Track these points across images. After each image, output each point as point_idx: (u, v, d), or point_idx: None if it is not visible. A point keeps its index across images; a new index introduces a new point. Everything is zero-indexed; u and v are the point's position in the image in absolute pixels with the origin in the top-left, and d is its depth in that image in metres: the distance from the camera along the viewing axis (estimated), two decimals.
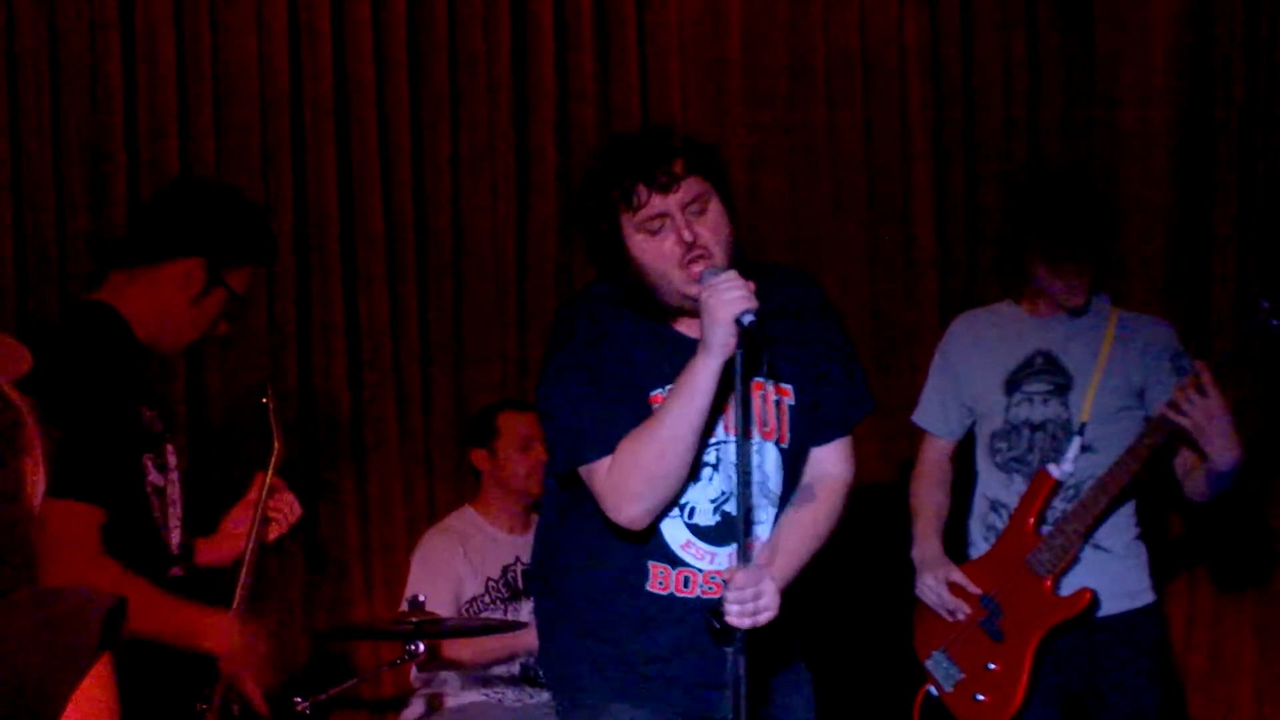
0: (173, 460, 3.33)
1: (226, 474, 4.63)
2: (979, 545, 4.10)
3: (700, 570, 3.05)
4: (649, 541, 3.06)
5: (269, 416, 3.59)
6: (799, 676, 3.22)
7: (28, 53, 4.96)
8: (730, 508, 3.03)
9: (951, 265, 5.48)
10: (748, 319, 2.87)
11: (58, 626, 1.80)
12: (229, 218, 3.35)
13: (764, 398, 3.10)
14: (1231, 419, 3.81)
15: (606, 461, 3.00)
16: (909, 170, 5.45)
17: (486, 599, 4.78)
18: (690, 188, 3.01)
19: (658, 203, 2.99)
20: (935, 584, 4.02)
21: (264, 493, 3.48)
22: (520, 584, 4.80)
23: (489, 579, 4.80)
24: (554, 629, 3.21)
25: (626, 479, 2.97)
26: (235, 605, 3.38)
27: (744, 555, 2.92)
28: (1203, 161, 5.31)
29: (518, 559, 4.79)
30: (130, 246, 3.38)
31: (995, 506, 4.05)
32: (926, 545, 4.08)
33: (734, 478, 2.99)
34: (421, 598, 4.33)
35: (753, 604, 2.89)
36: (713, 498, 3.07)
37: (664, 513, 3.04)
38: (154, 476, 3.25)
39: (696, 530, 3.06)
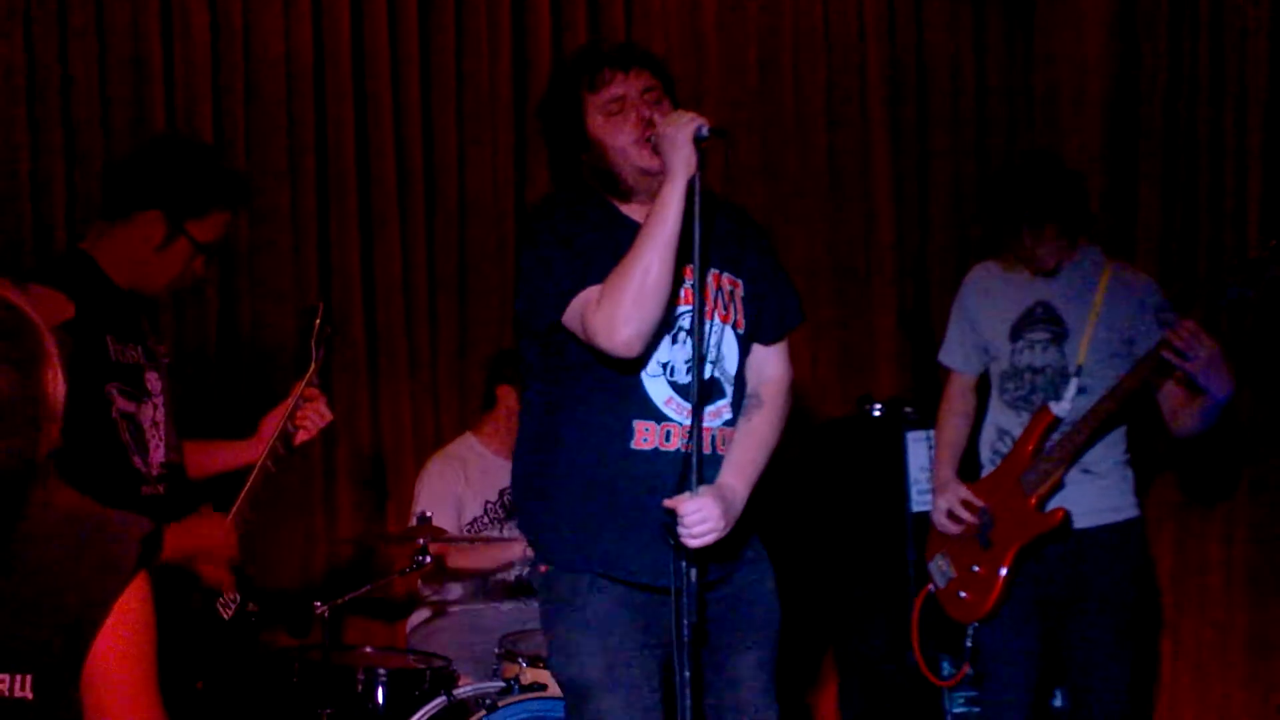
0: (156, 385, 3.43)
1: (267, 385, 4.83)
2: (987, 466, 4.35)
3: (681, 424, 3.19)
4: (635, 401, 3.19)
5: (313, 333, 3.75)
6: (763, 575, 3.38)
7: (76, 32, 5.19)
8: (705, 371, 3.18)
9: (905, 216, 5.90)
10: (704, 131, 3.05)
11: (99, 547, 1.91)
12: (184, 171, 3.42)
13: (719, 287, 3.29)
14: (1223, 355, 3.98)
15: (594, 294, 3.11)
16: (868, 137, 5.85)
17: (485, 519, 5.01)
18: (647, 78, 3.23)
19: (619, 83, 3.21)
20: (946, 505, 4.31)
21: (296, 399, 3.68)
22: (513, 505, 4.93)
23: (486, 501, 5.03)
24: (544, 512, 3.30)
25: (617, 303, 3.07)
26: (236, 505, 3.52)
27: (693, 484, 3.08)
28: (1130, 127, 5.61)
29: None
30: (105, 201, 3.49)
31: (1002, 435, 4.31)
32: (942, 470, 4.39)
33: (709, 345, 3.20)
34: (428, 514, 4.59)
35: (700, 527, 3.06)
36: (688, 359, 3.19)
37: (646, 369, 3.18)
38: (122, 404, 3.32)
39: (677, 388, 3.20)
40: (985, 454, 4.38)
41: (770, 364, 3.40)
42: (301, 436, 3.72)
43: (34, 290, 2.94)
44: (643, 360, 3.19)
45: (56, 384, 1.81)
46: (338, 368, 5.38)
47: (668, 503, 3.12)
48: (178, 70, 5.33)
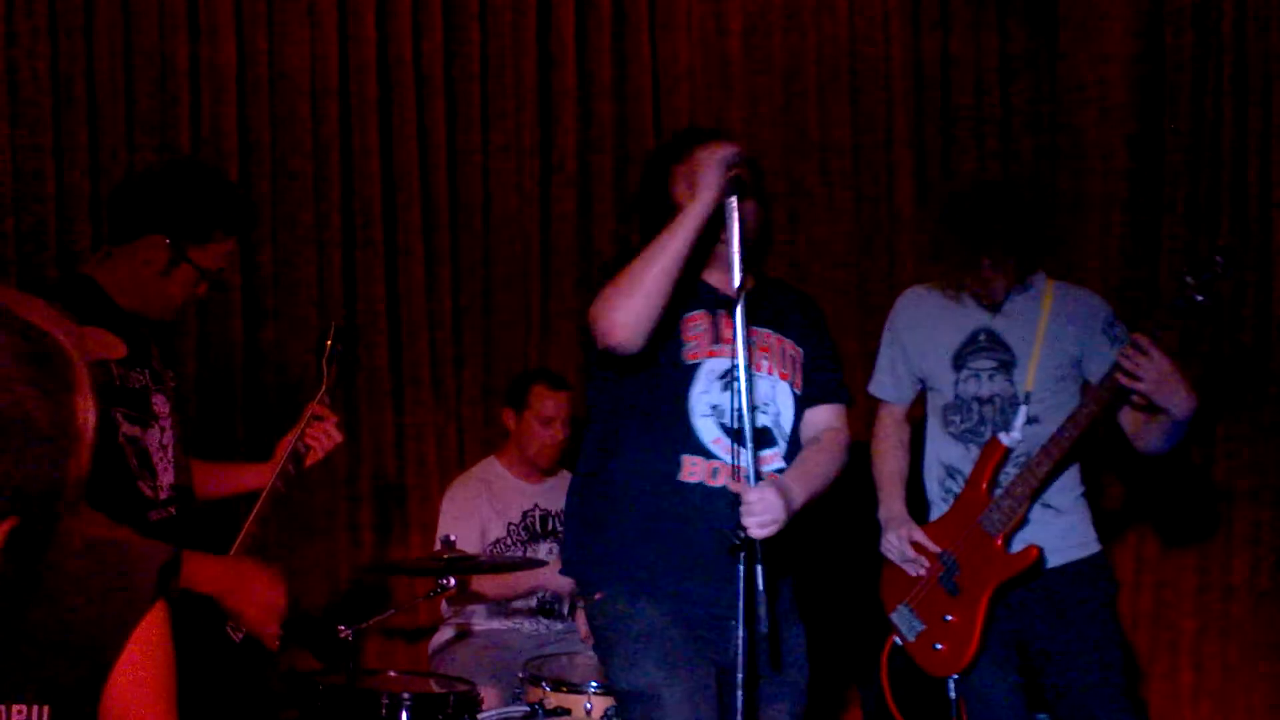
0: (163, 409, 3.41)
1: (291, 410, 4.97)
2: (938, 506, 4.15)
3: (729, 463, 3.31)
4: (683, 437, 3.34)
5: (325, 352, 3.77)
6: (798, 634, 3.50)
7: (103, 45, 5.27)
8: (755, 419, 3.27)
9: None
10: (734, 157, 3.21)
11: (119, 575, 1.89)
12: (189, 198, 3.39)
13: (782, 349, 3.47)
14: (1181, 372, 3.83)
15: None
16: (890, 156, 5.82)
17: (508, 540, 5.03)
18: (731, 152, 3.28)
19: (704, 154, 3.29)
20: (899, 542, 4.10)
21: (306, 419, 3.68)
22: (538, 527, 5.06)
23: (510, 523, 5.05)
24: (586, 533, 3.44)
25: (613, 294, 3.22)
26: (242, 534, 3.48)
27: (755, 474, 3.18)
28: (1154, 154, 5.59)
29: (536, 505, 5.07)
30: (110, 225, 3.46)
31: (951, 472, 4.12)
32: (891, 505, 4.16)
33: (761, 397, 3.36)
34: (453, 537, 4.53)
35: (763, 515, 3.14)
36: (737, 407, 3.23)
37: (698, 409, 3.33)
38: (127, 428, 3.29)
39: (725, 430, 3.34)
40: (934, 491, 4.20)
41: (825, 419, 3.54)
42: (312, 457, 3.73)
43: (89, 332, 3.00)
44: (699, 385, 3.34)
45: (88, 412, 1.78)
46: (364, 394, 5.44)
47: (732, 486, 3.22)
48: (204, 95, 5.40)
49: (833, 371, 3.58)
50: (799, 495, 3.31)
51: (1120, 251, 5.56)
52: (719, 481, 3.31)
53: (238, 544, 3.49)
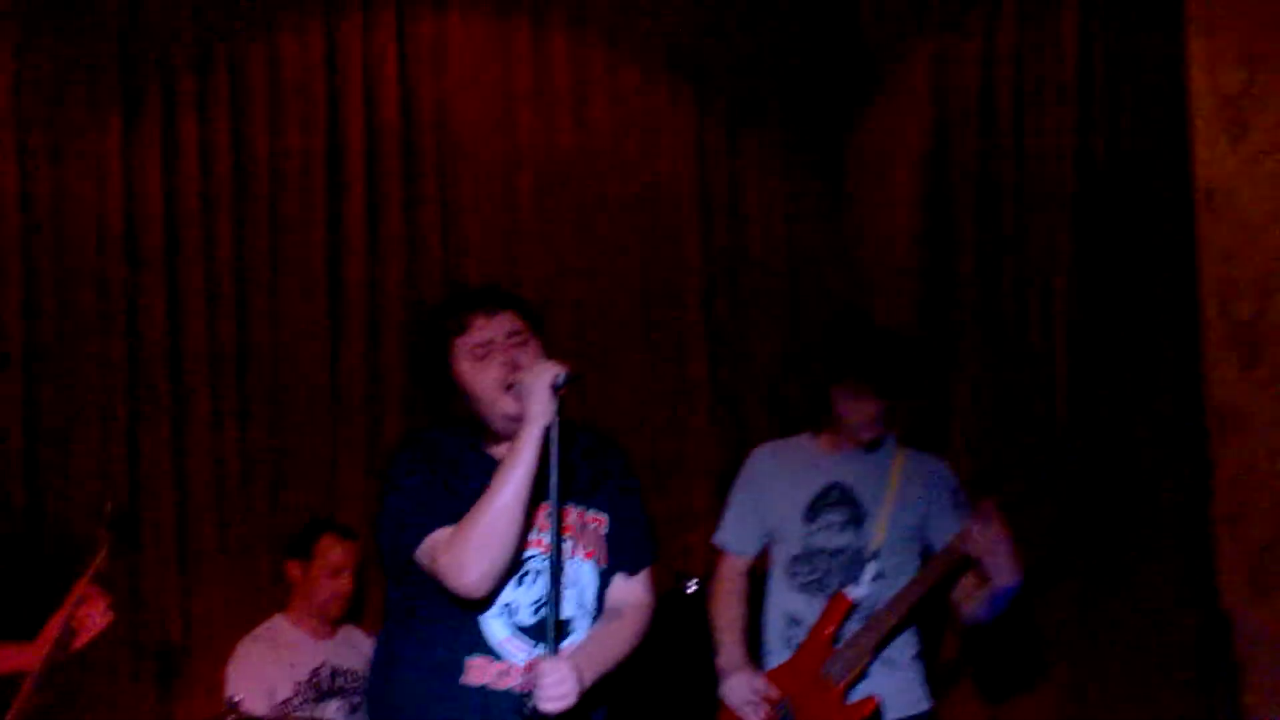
0: None
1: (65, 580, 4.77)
2: (779, 654, 4.18)
3: (518, 663, 3.19)
4: (470, 639, 3.20)
5: (101, 526, 3.75)
6: None
7: None
8: (546, 611, 3.13)
9: (720, 393, 5.97)
10: (560, 379, 3.09)
11: None
12: None
13: (583, 524, 3.32)
14: (1013, 546, 3.96)
15: (445, 535, 3.12)
16: (683, 307, 5.95)
17: (295, 700, 4.87)
18: (514, 320, 3.26)
19: (484, 327, 3.24)
20: (740, 688, 4.11)
21: (74, 600, 3.62)
22: (326, 685, 4.93)
23: (298, 681, 4.90)
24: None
25: (465, 546, 3.09)
26: (11, 715, 3.47)
27: (552, 645, 3.09)
28: (943, 301, 5.68)
29: (325, 662, 4.95)
30: None
31: (793, 622, 4.16)
32: (732, 652, 4.17)
33: (564, 583, 3.21)
34: (237, 699, 4.45)
35: (556, 689, 3.05)
36: (534, 600, 3.22)
37: (488, 610, 3.19)
38: None
39: (518, 629, 3.22)
40: (774, 640, 4.23)
41: (633, 591, 3.43)
42: (82, 639, 3.68)
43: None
44: (487, 601, 3.21)
45: None
46: (149, 551, 5.37)
47: (530, 661, 3.16)
48: None
49: (639, 533, 3.44)
50: (590, 671, 3.22)
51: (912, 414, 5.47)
52: (505, 684, 3.21)
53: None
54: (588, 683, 3.19)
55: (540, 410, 3.10)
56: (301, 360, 5.67)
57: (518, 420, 3.18)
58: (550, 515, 3.14)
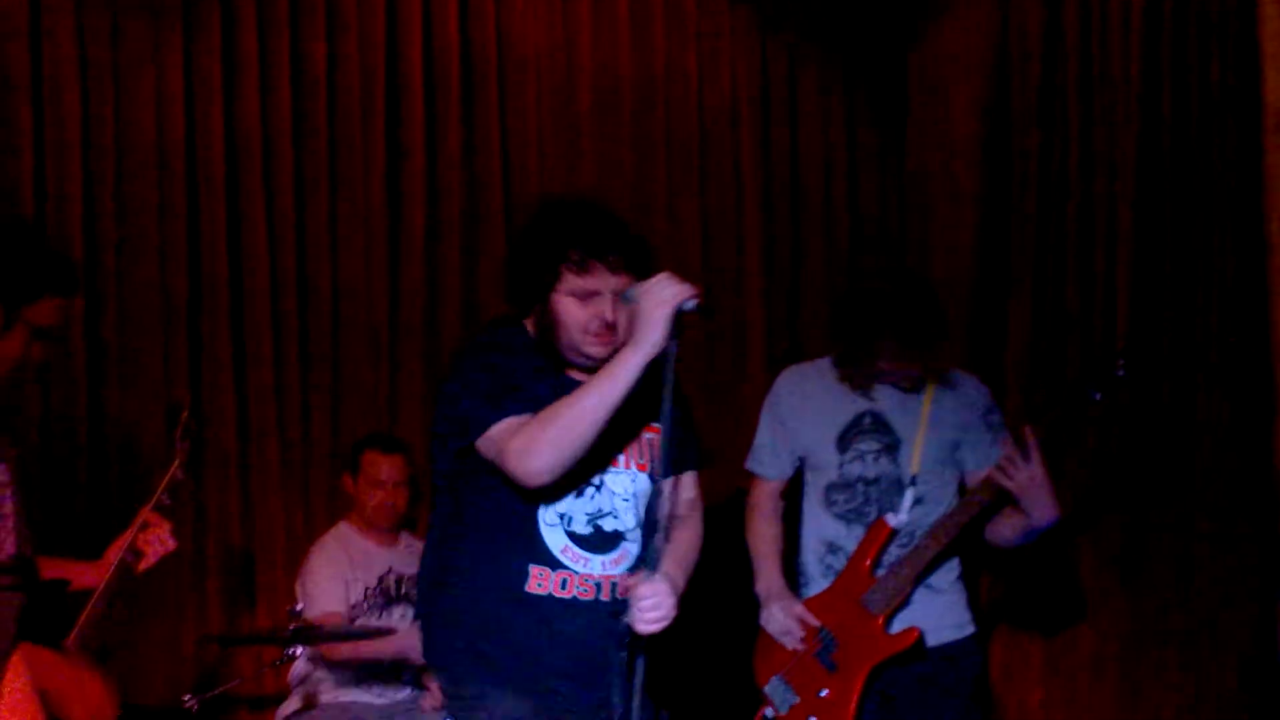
0: (3, 478, 3.33)
1: (127, 493, 4.86)
2: (818, 582, 4.17)
3: (576, 573, 3.26)
4: (532, 546, 3.26)
5: (178, 425, 3.79)
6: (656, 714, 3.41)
7: None
8: (602, 523, 3.27)
9: (775, 325, 5.96)
10: (690, 305, 3.03)
11: None
12: (13, 259, 3.35)
13: (667, 438, 3.24)
14: (1051, 483, 3.95)
15: (516, 423, 3.15)
16: (742, 239, 5.94)
17: (365, 605, 4.99)
18: (626, 281, 3.21)
19: (600, 277, 3.22)
20: (780, 614, 4.12)
21: (137, 525, 3.64)
22: (393, 591, 5.05)
23: (367, 586, 5.02)
24: (441, 629, 3.37)
25: (540, 436, 3.10)
26: (74, 635, 3.46)
27: (649, 565, 3.11)
28: (1000, 241, 5.65)
29: (390, 569, 5.06)
30: None
31: (832, 549, 4.14)
32: (770, 579, 4.18)
33: (609, 497, 3.28)
34: (299, 608, 4.57)
35: (654, 611, 3.08)
36: (589, 512, 3.29)
37: (545, 519, 3.25)
38: None
39: (574, 538, 3.27)
40: (813, 566, 4.21)
41: (688, 489, 3.49)
42: (144, 563, 3.70)
43: None
44: (547, 494, 3.24)
45: None
46: (210, 464, 5.38)
47: (625, 582, 3.21)
48: (49, 164, 5.32)
49: (687, 440, 3.48)
50: (680, 580, 3.31)
51: (967, 337, 5.59)
52: (568, 593, 3.27)
53: (73, 639, 3.45)
54: (681, 591, 3.25)
55: (656, 337, 3.04)
56: (361, 284, 5.67)
57: (589, 359, 3.24)
58: (661, 441, 3.14)
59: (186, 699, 4.25)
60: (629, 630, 3.09)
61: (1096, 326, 5.33)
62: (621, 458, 3.35)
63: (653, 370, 3.13)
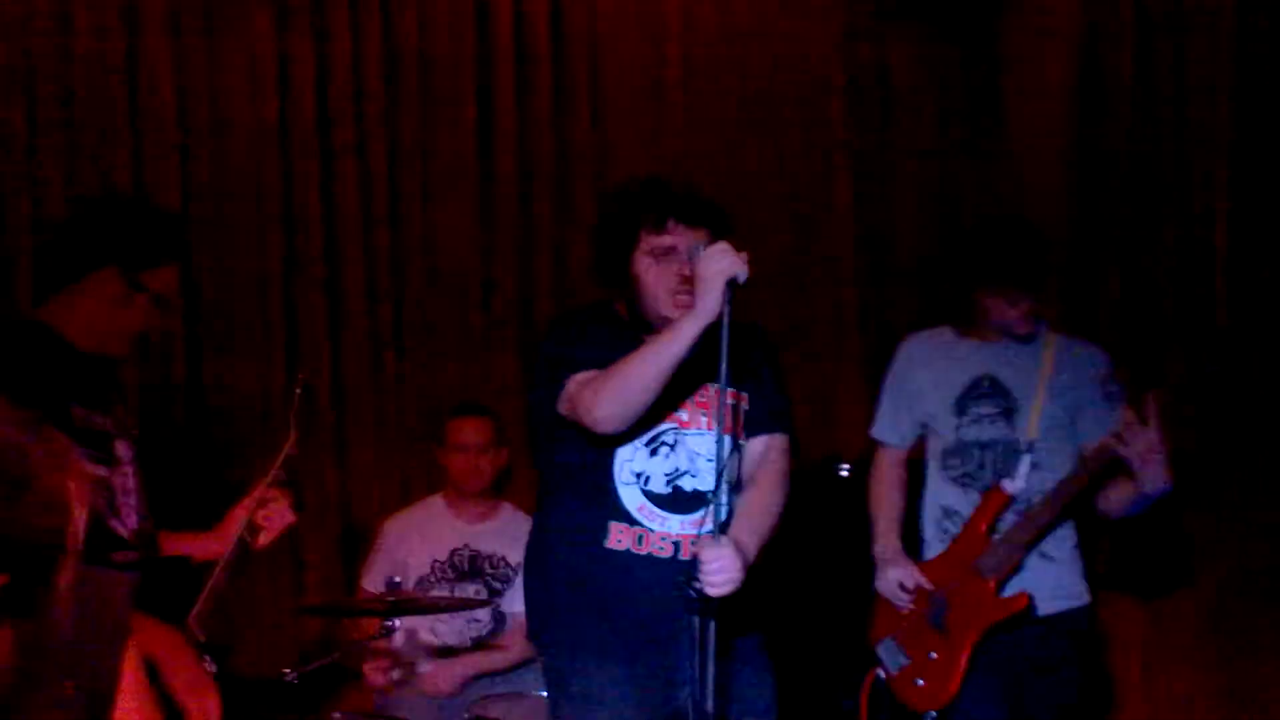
0: (125, 454, 3.38)
1: (227, 462, 4.96)
2: (934, 546, 4.21)
3: (653, 531, 3.38)
4: (610, 504, 3.39)
5: (293, 407, 3.81)
6: (762, 674, 3.51)
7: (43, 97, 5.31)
8: (681, 483, 3.38)
9: (869, 266, 5.91)
10: (741, 278, 3.14)
11: (96, 603, 1.80)
12: (133, 227, 3.38)
13: (722, 400, 3.33)
14: (1167, 451, 3.92)
15: (585, 377, 3.31)
16: (830, 192, 5.88)
17: (431, 579, 5.00)
18: (706, 237, 3.33)
19: (677, 234, 3.37)
20: (893, 578, 4.17)
21: (256, 500, 3.65)
22: (465, 567, 5.03)
23: (436, 560, 5.03)
24: (538, 592, 3.53)
25: (603, 385, 3.26)
26: (195, 610, 3.46)
27: (715, 528, 3.18)
28: (1095, 176, 5.61)
29: (466, 545, 5.05)
30: (50, 270, 3.42)
31: (949, 514, 4.18)
32: (888, 543, 4.23)
33: (689, 458, 3.38)
34: (398, 579, 4.52)
35: (721, 574, 3.14)
36: (667, 471, 3.41)
37: (623, 479, 3.38)
38: (91, 468, 3.18)
39: (651, 496, 3.40)
40: (930, 532, 4.26)
41: (770, 457, 3.53)
42: (264, 538, 3.70)
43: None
44: (623, 453, 3.37)
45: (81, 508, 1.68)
46: (305, 433, 5.38)
47: (693, 547, 3.26)
48: (147, 137, 5.39)
49: (773, 403, 3.56)
50: (753, 547, 3.33)
51: (1060, 301, 5.48)
52: (644, 549, 3.38)
53: (193, 617, 3.47)
54: (752, 558, 3.28)
55: (711, 305, 3.15)
56: (454, 249, 5.70)
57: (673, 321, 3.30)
58: (718, 412, 3.23)
59: (286, 672, 4.26)
60: (699, 594, 3.13)
61: (1192, 295, 5.28)
62: (704, 419, 3.43)
63: (737, 336, 3.23)
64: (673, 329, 3.23)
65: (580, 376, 3.33)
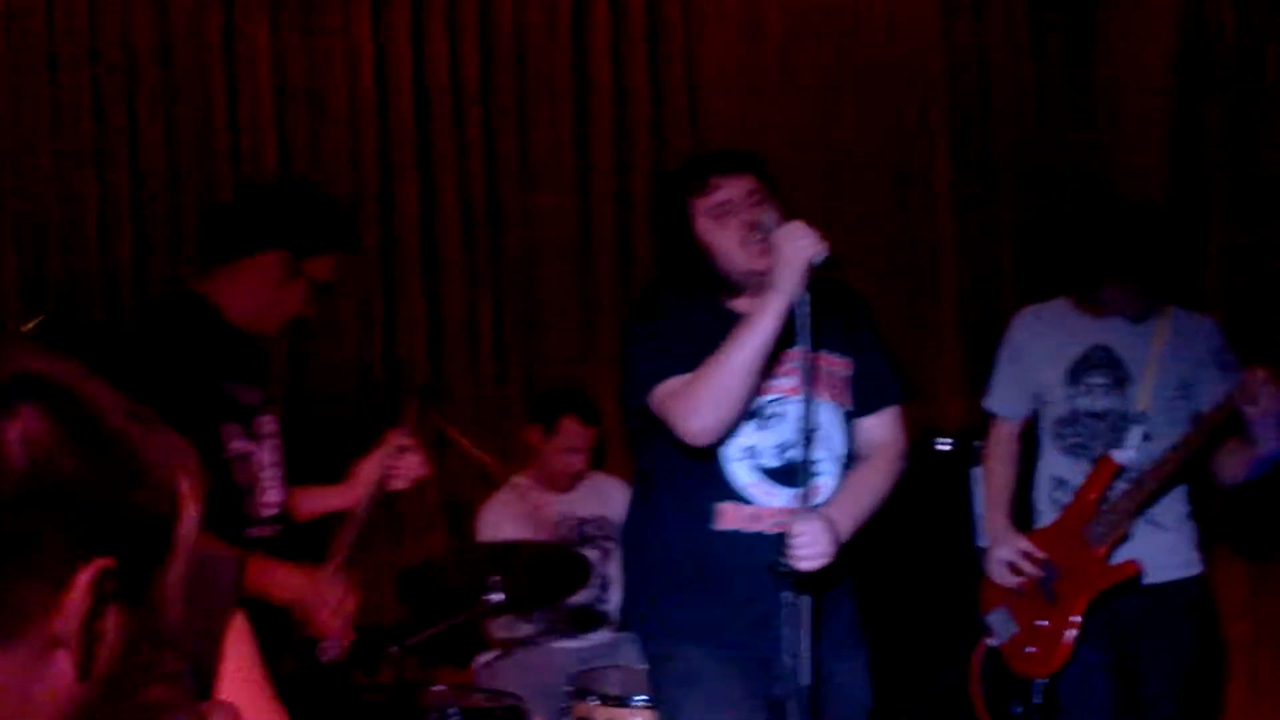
0: (271, 428, 3.43)
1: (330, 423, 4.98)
2: (1046, 515, 4.22)
3: (764, 506, 3.31)
4: (719, 484, 3.31)
5: (409, 392, 3.84)
6: (858, 659, 3.47)
7: (143, 85, 5.37)
8: (792, 454, 3.27)
9: (970, 240, 5.87)
10: (819, 258, 3.12)
11: (203, 584, 1.70)
12: (303, 213, 3.43)
13: (828, 369, 3.39)
14: None
15: (678, 383, 3.24)
16: (930, 163, 5.85)
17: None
18: (751, 181, 3.35)
19: (726, 188, 3.33)
20: (1002, 559, 4.19)
21: (391, 447, 3.68)
22: (576, 536, 5.06)
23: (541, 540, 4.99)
24: (637, 582, 3.49)
25: (696, 396, 3.19)
26: (336, 557, 3.52)
27: (804, 501, 3.18)
28: (1195, 151, 5.55)
29: (564, 516, 5.08)
30: (222, 242, 3.43)
31: (1060, 484, 4.18)
32: (999, 520, 4.24)
33: (797, 429, 3.26)
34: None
35: (810, 548, 3.14)
36: (777, 443, 3.31)
37: (732, 455, 3.30)
38: (237, 444, 3.31)
39: (763, 471, 3.32)
40: (1042, 502, 4.26)
41: (878, 431, 3.49)
42: (397, 485, 3.74)
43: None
44: (723, 443, 3.29)
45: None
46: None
47: (784, 521, 3.22)
48: (242, 119, 5.44)
49: (883, 374, 3.52)
50: (846, 524, 3.30)
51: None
52: (757, 527, 3.31)
53: (332, 568, 3.50)
54: (845, 535, 3.26)
55: (790, 285, 3.12)
56: (552, 228, 5.71)
57: (759, 274, 3.25)
58: (804, 382, 3.19)
59: (392, 649, 4.29)
60: (788, 569, 3.14)
61: None
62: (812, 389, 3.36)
63: (844, 302, 3.22)
64: (750, 322, 3.18)
65: (667, 387, 3.27)
